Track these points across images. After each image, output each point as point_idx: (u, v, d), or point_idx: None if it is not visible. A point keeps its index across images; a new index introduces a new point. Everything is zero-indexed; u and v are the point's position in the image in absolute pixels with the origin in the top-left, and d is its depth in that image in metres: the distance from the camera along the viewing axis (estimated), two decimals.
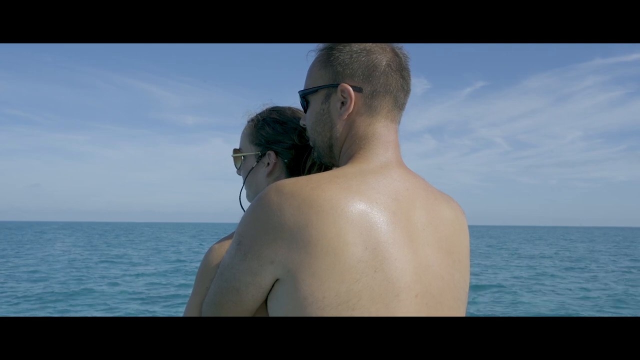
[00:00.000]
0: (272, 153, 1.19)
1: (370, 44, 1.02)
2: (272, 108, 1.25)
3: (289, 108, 1.24)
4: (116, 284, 16.36)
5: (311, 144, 1.11)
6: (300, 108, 1.15)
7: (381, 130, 1.01)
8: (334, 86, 1.02)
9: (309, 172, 1.15)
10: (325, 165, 1.12)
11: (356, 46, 1.01)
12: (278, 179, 1.18)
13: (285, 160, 1.18)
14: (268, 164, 1.19)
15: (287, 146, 1.19)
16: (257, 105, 1.27)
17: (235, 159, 1.28)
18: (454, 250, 0.99)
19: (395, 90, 1.02)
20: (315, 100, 1.05)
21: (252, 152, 1.22)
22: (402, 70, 1.03)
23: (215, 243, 1.07)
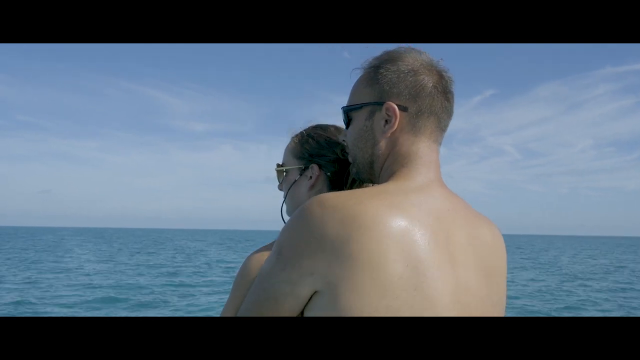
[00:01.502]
0: (315, 166, 1.21)
1: (418, 64, 1.03)
2: (316, 125, 1.28)
3: (333, 125, 1.28)
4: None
5: (351, 160, 1.12)
6: (343, 127, 1.16)
7: (424, 150, 1.02)
8: (380, 104, 1.03)
9: (351, 187, 1.17)
10: (364, 182, 1.13)
11: (404, 66, 1.02)
12: (320, 192, 1.19)
13: (328, 174, 1.20)
14: (310, 177, 1.21)
15: (331, 159, 1.21)
16: (301, 122, 1.30)
17: (277, 173, 1.30)
18: (492, 272, 0.99)
19: (439, 111, 1.03)
20: (359, 117, 1.07)
21: (295, 165, 1.25)
22: (447, 93, 1.04)
23: (255, 252, 1.09)
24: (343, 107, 1.10)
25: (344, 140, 1.15)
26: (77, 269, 23.43)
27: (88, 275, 20.98)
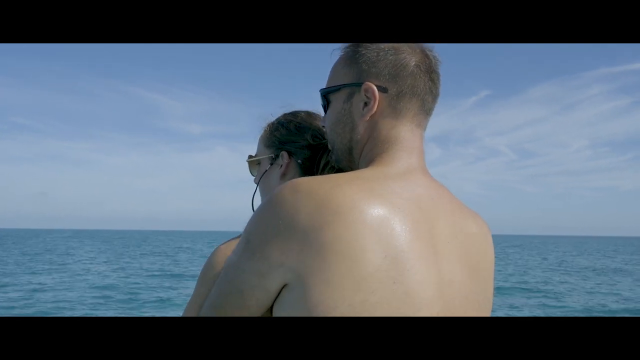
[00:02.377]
0: (284, 153, 1.16)
1: (400, 43, 0.96)
2: (287, 112, 1.24)
3: (305, 111, 1.23)
4: None
5: (329, 146, 1.05)
6: (318, 112, 1.11)
7: (406, 135, 0.95)
8: (358, 85, 0.96)
9: (323, 172, 1.12)
10: (341, 168, 1.07)
11: (384, 44, 0.96)
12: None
13: (299, 161, 1.15)
14: (281, 165, 1.17)
15: (300, 146, 1.16)
16: (276, 111, 1.25)
17: (250, 165, 1.25)
18: (478, 267, 0.93)
19: (422, 93, 0.96)
20: (337, 100, 1.00)
21: (265, 155, 1.20)
22: (431, 73, 0.97)
23: (222, 243, 1.03)
24: (321, 90, 1.03)
25: (323, 125, 1.08)
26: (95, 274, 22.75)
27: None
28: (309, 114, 1.22)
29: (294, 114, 1.22)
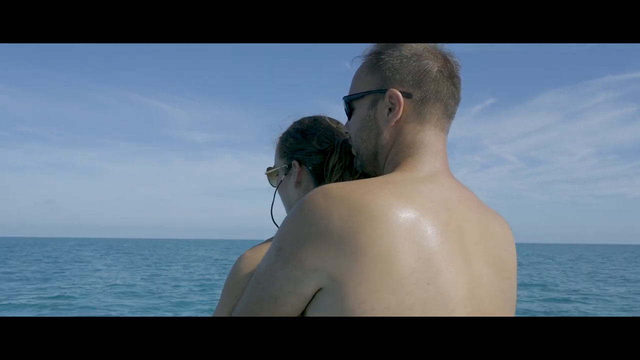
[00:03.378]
0: (295, 162, 1.18)
1: (421, 48, 0.98)
2: (295, 120, 1.26)
3: (310, 116, 1.25)
4: None
5: (354, 152, 1.07)
6: (322, 114, 1.15)
7: (430, 139, 0.97)
8: (382, 92, 0.98)
9: (332, 174, 1.14)
10: (354, 170, 1.11)
11: (406, 51, 0.98)
12: (307, 188, 1.16)
13: (309, 167, 1.17)
14: (294, 174, 1.19)
15: (308, 152, 1.18)
16: (286, 122, 1.27)
17: (269, 177, 1.27)
18: (504, 267, 0.95)
19: (445, 97, 0.98)
20: (361, 107, 1.02)
21: (280, 166, 1.23)
22: (453, 78, 0.99)
23: (248, 250, 1.03)
24: (344, 97, 1.05)
25: (346, 132, 1.11)
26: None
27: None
28: (314, 119, 1.24)
29: (300, 121, 1.24)
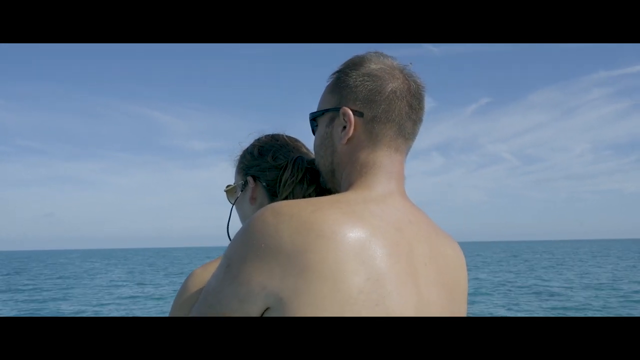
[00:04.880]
0: (250, 179, 1.19)
1: (385, 67, 0.99)
2: (256, 138, 1.27)
3: (269, 134, 1.26)
4: None
5: (317, 167, 1.09)
6: (281, 132, 1.19)
7: (383, 160, 0.97)
8: (337, 110, 0.99)
9: (284, 189, 1.15)
10: (305, 186, 1.12)
11: (364, 70, 0.98)
12: (261, 204, 1.15)
13: (264, 183, 1.17)
14: (249, 190, 1.20)
15: (262, 168, 1.18)
16: (247, 139, 1.27)
17: (227, 194, 1.27)
18: (454, 289, 0.96)
19: (398, 118, 0.97)
20: (321, 124, 1.04)
21: (237, 182, 1.23)
22: (409, 98, 0.98)
23: (198, 267, 1.02)
24: (310, 114, 1.07)
25: (307, 151, 1.15)
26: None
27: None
28: (272, 136, 1.25)
29: (258, 139, 1.25)
